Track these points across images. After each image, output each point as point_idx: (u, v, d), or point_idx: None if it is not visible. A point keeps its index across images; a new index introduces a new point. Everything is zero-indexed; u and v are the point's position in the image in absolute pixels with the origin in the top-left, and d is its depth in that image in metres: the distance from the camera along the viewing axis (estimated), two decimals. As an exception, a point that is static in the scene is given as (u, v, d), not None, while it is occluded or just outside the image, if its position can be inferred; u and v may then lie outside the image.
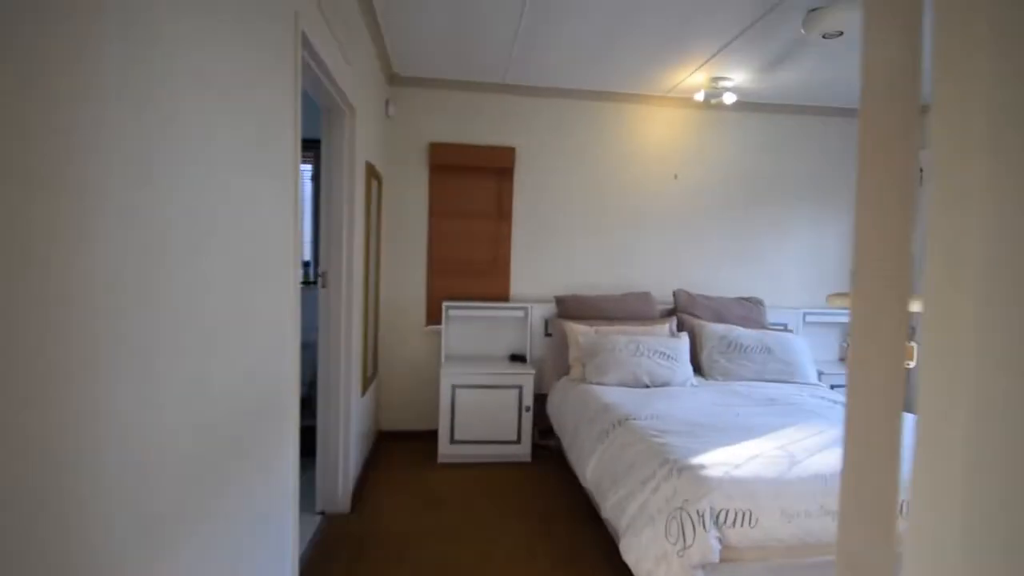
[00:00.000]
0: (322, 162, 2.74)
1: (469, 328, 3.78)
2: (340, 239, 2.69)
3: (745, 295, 4.01)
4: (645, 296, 3.76)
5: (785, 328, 3.97)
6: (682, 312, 3.70)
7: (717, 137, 4.13)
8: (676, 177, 4.07)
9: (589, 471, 2.37)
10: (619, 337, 3.21)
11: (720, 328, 3.45)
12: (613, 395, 2.80)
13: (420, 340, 3.83)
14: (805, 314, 4.08)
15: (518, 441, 3.41)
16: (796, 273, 4.28)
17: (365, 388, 3.13)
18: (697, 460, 1.86)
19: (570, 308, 3.63)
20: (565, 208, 3.96)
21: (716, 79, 3.58)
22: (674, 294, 3.83)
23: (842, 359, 4.23)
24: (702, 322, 3.54)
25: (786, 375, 3.27)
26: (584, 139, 3.97)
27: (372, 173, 3.10)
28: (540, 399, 3.59)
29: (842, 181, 4.32)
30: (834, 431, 2.22)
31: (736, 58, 3.31)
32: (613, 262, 4.02)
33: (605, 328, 3.40)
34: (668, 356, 3.12)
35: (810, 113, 4.22)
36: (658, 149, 4.06)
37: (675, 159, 4.08)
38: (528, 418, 3.40)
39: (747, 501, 1.72)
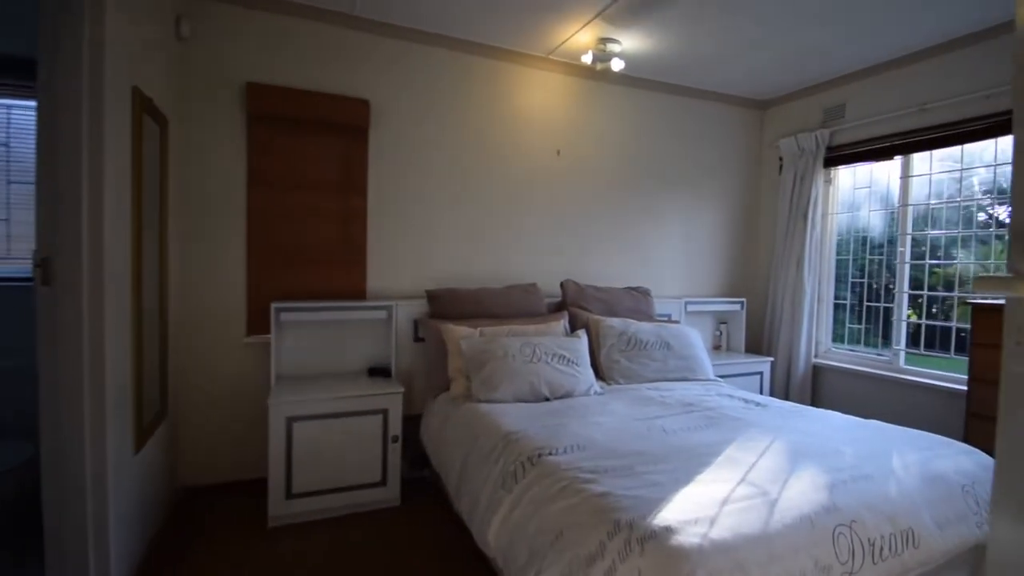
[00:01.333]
0: (39, 81, 1.65)
1: (310, 337, 2.85)
2: (78, 207, 1.63)
3: (632, 285, 3.67)
4: (532, 289, 3.20)
5: (670, 319, 3.73)
6: (572, 306, 3.21)
7: (602, 112, 3.73)
8: (559, 153, 3.57)
9: (492, 533, 1.69)
10: (510, 340, 2.59)
11: (617, 323, 3.02)
12: (511, 416, 2.17)
13: (239, 357, 2.79)
14: (687, 303, 3.89)
15: (383, 482, 2.61)
16: (675, 261, 4.09)
17: (144, 438, 2.06)
18: (658, 519, 1.29)
19: (445, 305, 2.92)
20: (436, 182, 3.22)
21: (604, 40, 3.14)
22: (562, 285, 3.33)
23: (716, 347, 4.16)
24: (597, 317, 3.08)
25: (687, 372, 2.95)
26: (457, 99, 3.27)
27: (146, 108, 2.03)
28: (412, 421, 2.82)
29: (715, 169, 4.26)
30: (780, 443, 1.85)
31: (626, 19, 2.89)
32: (492, 248, 3.38)
33: (491, 329, 2.75)
34: (568, 360, 2.59)
35: (694, 96, 4.04)
36: (541, 119, 3.52)
37: (558, 133, 3.58)
38: (396, 450, 2.62)
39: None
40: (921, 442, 1.94)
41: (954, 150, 3.28)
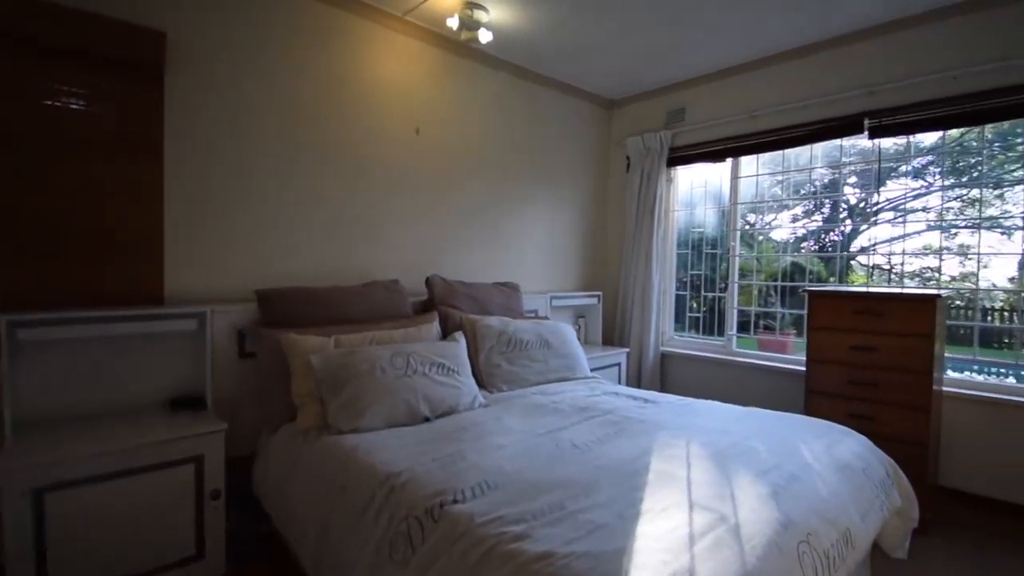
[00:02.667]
0: None
1: (77, 361, 1.96)
2: None
3: (500, 280, 3.40)
4: (394, 286, 2.70)
5: (536, 315, 3.55)
6: (442, 305, 2.80)
7: (464, 92, 3.36)
8: (418, 132, 3.12)
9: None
10: (377, 350, 2.07)
11: (496, 323, 2.70)
12: (389, 450, 1.69)
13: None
14: (552, 298, 3.76)
15: (199, 555, 1.89)
16: (538, 255, 3.94)
17: None
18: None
19: (285, 310, 2.27)
20: (266, 152, 2.52)
21: (471, 4, 2.79)
22: (428, 282, 2.89)
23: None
24: (472, 316, 2.72)
25: (568, 371, 2.77)
26: (295, 51, 2.60)
27: None
28: (241, 464, 2.13)
29: (574, 164, 4.21)
30: (696, 447, 1.71)
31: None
32: (342, 238, 2.79)
33: (350, 337, 2.20)
34: (448, 369, 2.18)
35: (555, 88, 3.91)
36: (398, 91, 3.02)
37: (417, 109, 3.12)
38: (219, 508, 1.92)
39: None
40: (810, 428, 1.99)
41: (777, 154, 3.67)
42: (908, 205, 4.33)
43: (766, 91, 3.51)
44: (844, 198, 4.11)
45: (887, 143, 3.24)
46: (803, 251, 4.08)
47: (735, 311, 3.88)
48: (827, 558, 1.26)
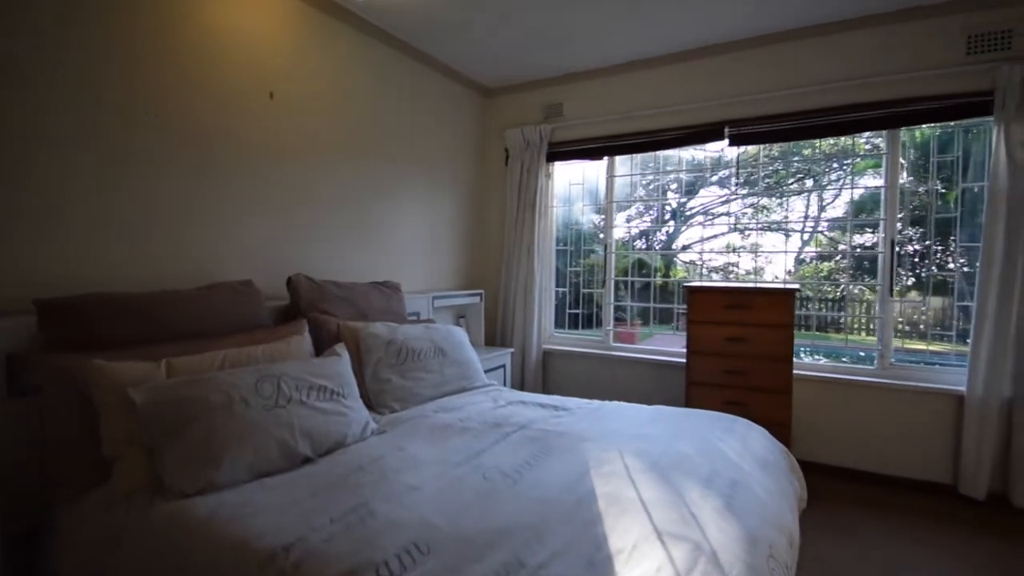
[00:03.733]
0: None
1: None
2: None
3: (377, 280, 2.98)
4: (246, 289, 2.15)
5: (418, 318, 3.21)
6: (311, 310, 2.32)
7: (332, 58, 2.86)
8: (272, 97, 2.56)
9: None
10: (234, 375, 1.57)
11: (383, 330, 2.30)
12: (263, 513, 1.25)
13: None
14: (434, 298, 3.44)
15: None
16: (415, 250, 3.58)
17: None
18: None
19: (85, 326, 1.62)
20: (55, 106, 1.79)
21: (341, -48, 2.34)
22: (290, 283, 2.38)
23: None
24: (353, 324, 2.29)
25: (464, 381, 2.49)
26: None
27: None
28: (19, 545, 1.46)
29: (454, 153, 3.92)
30: (631, 459, 1.57)
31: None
32: (170, 227, 2.15)
33: (188, 360, 1.65)
34: (332, 392, 1.75)
35: (435, 68, 3.57)
36: (249, 45, 2.43)
37: (273, 70, 2.56)
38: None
39: None
40: (716, 423, 1.99)
41: (651, 155, 3.82)
42: (716, 210, 5.15)
43: (641, 93, 3.60)
44: (668, 202, 4.58)
45: (701, 155, 3.59)
46: (636, 248, 4.39)
47: (611, 307, 3.96)
48: (787, 568, 1.19)
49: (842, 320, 3.57)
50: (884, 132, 3.04)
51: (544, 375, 4.02)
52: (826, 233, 4.03)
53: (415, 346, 2.32)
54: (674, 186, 4.29)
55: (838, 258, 3.96)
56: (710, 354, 2.90)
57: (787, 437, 2.70)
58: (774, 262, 3.76)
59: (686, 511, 1.25)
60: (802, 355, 3.40)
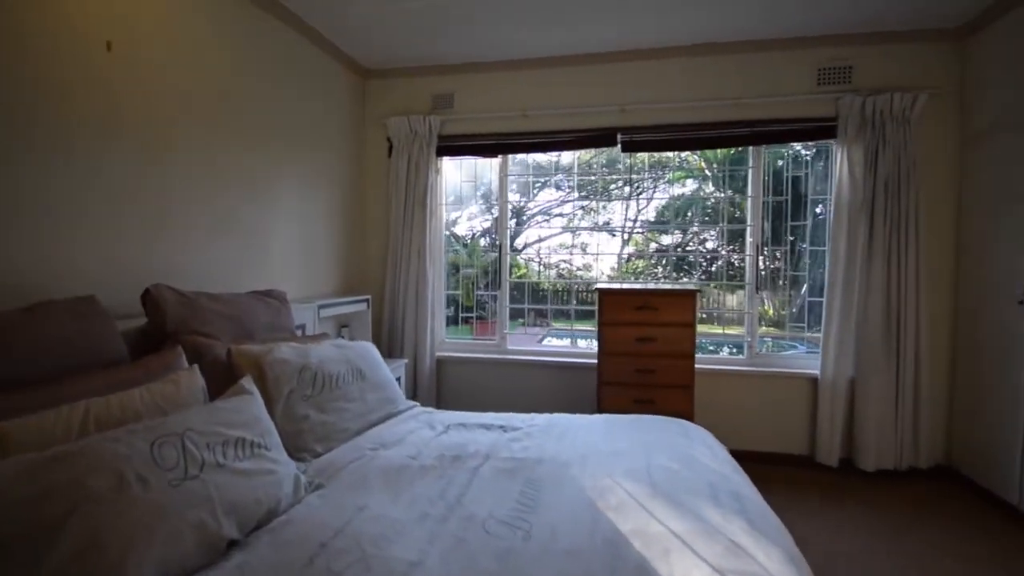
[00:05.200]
0: None
1: None
2: None
3: (258, 289, 2.42)
4: (88, 308, 1.52)
5: (304, 332, 2.71)
6: (185, 332, 1.75)
7: (191, 12, 2.23)
8: (110, 48, 1.89)
9: None
10: (115, 443, 1.05)
11: (290, 354, 1.83)
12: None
13: None
14: (320, 307, 2.94)
15: None
16: (292, 252, 3.03)
17: None
18: None
19: None
20: None
21: None
22: (148, 296, 1.77)
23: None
24: (251, 349, 1.78)
25: (390, 406, 2.13)
26: None
27: None
28: None
29: (332, 139, 3.41)
30: (631, 484, 1.45)
31: None
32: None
33: (29, 424, 1.07)
34: (252, 445, 1.31)
35: (312, 39, 3.04)
36: (64, -37, 1.74)
37: (113, 16, 1.89)
38: None
39: None
40: (669, 428, 1.99)
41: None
42: (553, 211, 5.60)
43: (538, 92, 3.54)
44: (510, 203, 4.81)
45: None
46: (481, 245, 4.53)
47: (507, 309, 3.85)
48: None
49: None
50: (750, 148, 3.41)
51: (438, 385, 3.74)
52: (646, 233, 4.70)
53: (331, 371, 1.91)
54: (513, 186, 4.38)
55: (651, 258, 4.59)
56: (621, 354, 2.96)
57: (691, 428, 2.87)
58: (601, 259, 4.14)
59: (724, 539, 1.17)
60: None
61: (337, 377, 1.91)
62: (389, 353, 3.67)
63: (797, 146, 3.53)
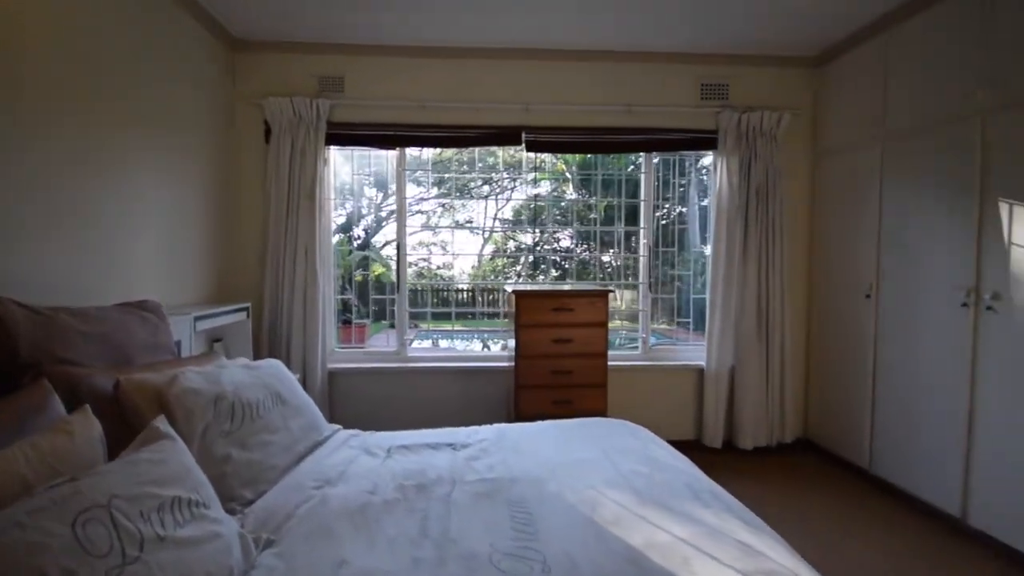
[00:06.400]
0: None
1: None
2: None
3: (121, 300, 1.91)
4: None
5: (179, 350, 2.22)
6: (48, 361, 1.28)
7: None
8: None
9: None
10: (22, 530, 0.70)
11: (200, 382, 1.43)
12: None
13: None
14: (196, 319, 2.43)
15: None
16: (151, 254, 2.47)
17: None
18: None
19: None
20: None
21: None
22: (-24, 315, 1.27)
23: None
24: (146, 379, 1.36)
25: (316, 433, 1.81)
26: None
27: None
28: None
29: (196, 117, 2.85)
30: (618, 493, 1.40)
31: None
32: None
33: None
34: (192, 504, 0.99)
35: (188, 10, 2.47)
36: None
37: None
38: None
39: None
40: (618, 431, 2.00)
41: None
42: (412, 208, 5.67)
43: (438, 83, 3.37)
44: (369, 198, 4.74)
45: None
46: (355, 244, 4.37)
47: (406, 313, 3.61)
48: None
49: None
50: (642, 153, 3.64)
51: (331, 401, 3.36)
52: (507, 232, 5.02)
53: (250, 398, 1.56)
54: (369, 180, 4.23)
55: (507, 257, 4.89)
56: (538, 356, 2.94)
57: (606, 424, 2.97)
58: (460, 257, 4.26)
59: (731, 540, 1.18)
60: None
61: (256, 405, 1.57)
62: (273, 368, 3.20)
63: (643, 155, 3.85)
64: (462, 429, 2.02)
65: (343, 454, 1.71)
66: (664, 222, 3.87)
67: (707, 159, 3.74)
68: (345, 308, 3.69)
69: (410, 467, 1.59)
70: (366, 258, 5.02)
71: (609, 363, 3.37)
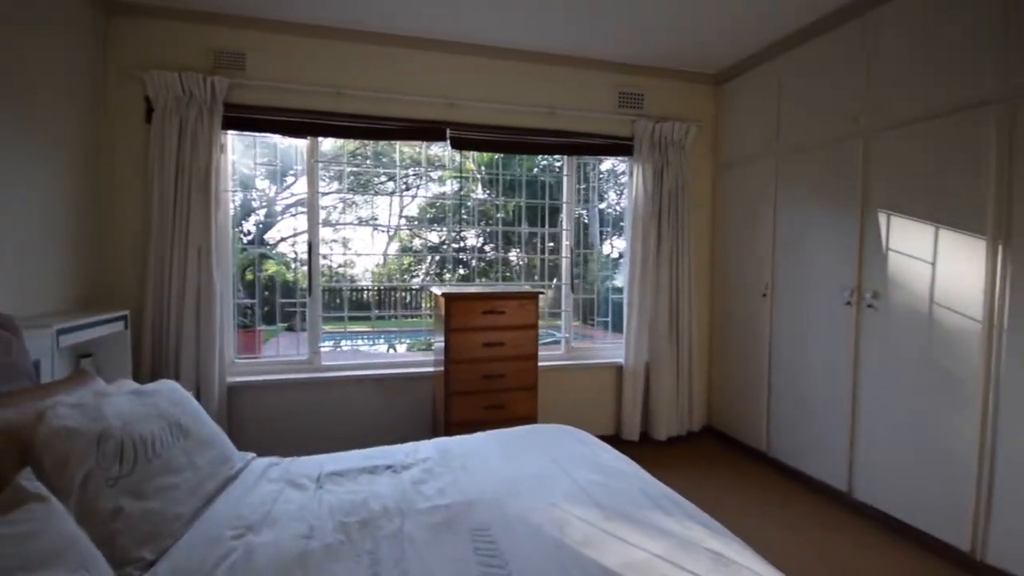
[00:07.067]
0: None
1: None
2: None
3: (-46, 312, 1.50)
4: None
5: (38, 373, 1.82)
6: None
7: None
8: None
9: None
10: None
11: (77, 418, 1.14)
12: None
13: None
14: (60, 332, 2.01)
15: None
16: (-4, 251, 2.01)
17: None
18: None
19: None
20: None
21: None
22: None
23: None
24: (5, 416, 1.05)
25: (225, 466, 1.55)
26: None
27: None
28: None
29: (54, 86, 2.35)
30: (583, 510, 1.35)
31: None
32: None
33: None
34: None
35: None
36: None
37: None
38: None
39: None
40: (565, 438, 1.96)
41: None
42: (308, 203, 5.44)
43: (357, 70, 3.12)
44: (261, 191, 4.45)
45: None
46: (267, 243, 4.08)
47: (319, 318, 3.32)
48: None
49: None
50: (565, 156, 3.67)
51: (230, 420, 2.99)
52: (413, 230, 4.98)
53: (142, 433, 1.29)
54: (260, 172, 3.93)
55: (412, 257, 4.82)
56: (469, 361, 2.83)
57: (534, 427, 2.95)
58: (363, 255, 4.17)
59: (702, 550, 1.19)
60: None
61: (153, 441, 1.30)
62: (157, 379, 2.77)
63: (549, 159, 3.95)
64: (399, 447, 1.87)
65: (264, 489, 1.48)
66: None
67: (606, 164, 3.85)
68: (238, 312, 3.30)
69: (349, 499, 1.42)
70: (261, 256, 4.59)
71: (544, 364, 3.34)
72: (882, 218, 2.53)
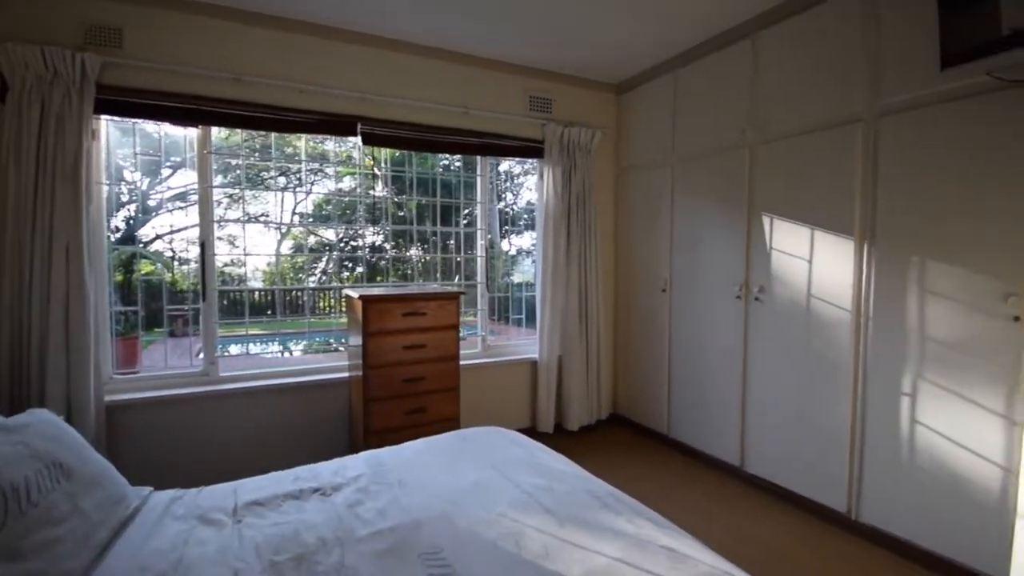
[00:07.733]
0: None
1: None
2: None
3: None
4: None
5: None
6: None
7: None
8: None
9: None
10: None
11: None
12: None
13: None
14: None
15: None
16: None
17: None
18: None
19: None
20: None
21: None
22: None
23: None
24: None
25: (119, 506, 1.35)
26: None
27: None
28: None
29: None
30: (535, 518, 1.37)
31: None
32: None
33: None
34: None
35: None
36: None
37: None
38: None
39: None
40: (500, 440, 1.98)
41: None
42: (190, 197, 5.19)
43: (257, 56, 2.88)
44: (132, 184, 4.10)
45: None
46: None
47: (215, 325, 3.03)
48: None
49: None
50: (477, 157, 3.68)
51: (109, 445, 2.63)
52: (308, 228, 4.88)
53: (13, 479, 1.09)
54: (129, 163, 3.59)
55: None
56: (390, 365, 2.75)
57: (457, 428, 2.93)
58: (253, 253, 4.05)
59: (656, 547, 1.25)
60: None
61: (27, 487, 1.11)
62: (12, 412, 2.36)
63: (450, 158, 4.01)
64: (324, 465, 1.75)
65: (170, 530, 1.32)
66: (465, 222, 4.02)
67: (504, 166, 3.95)
68: (113, 319, 2.91)
69: (276, 533, 1.31)
70: (134, 255, 4.08)
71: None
72: (766, 220, 2.85)
